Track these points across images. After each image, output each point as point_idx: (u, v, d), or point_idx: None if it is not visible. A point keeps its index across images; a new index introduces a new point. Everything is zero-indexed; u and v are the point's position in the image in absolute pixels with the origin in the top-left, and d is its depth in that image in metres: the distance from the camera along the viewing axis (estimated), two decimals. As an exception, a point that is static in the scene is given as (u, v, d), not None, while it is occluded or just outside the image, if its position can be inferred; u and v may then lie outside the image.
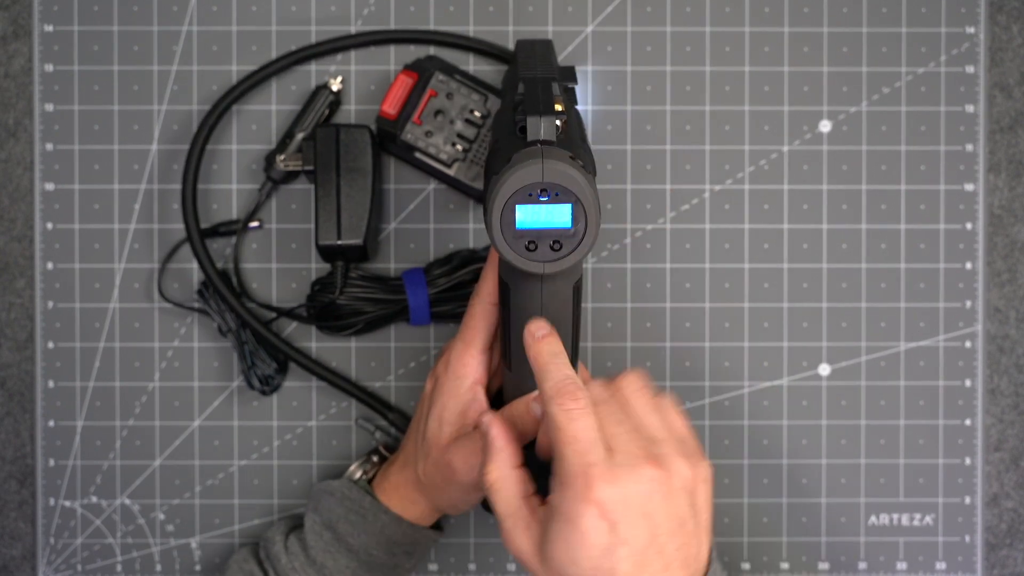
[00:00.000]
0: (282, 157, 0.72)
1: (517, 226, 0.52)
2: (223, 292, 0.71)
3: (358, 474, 0.70)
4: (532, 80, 0.57)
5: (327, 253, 0.70)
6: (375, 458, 0.71)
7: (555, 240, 0.52)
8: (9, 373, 0.74)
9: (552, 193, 0.52)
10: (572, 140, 0.54)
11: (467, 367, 0.63)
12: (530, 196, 0.52)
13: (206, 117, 0.71)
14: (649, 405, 0.55)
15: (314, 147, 0.70)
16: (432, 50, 0.74)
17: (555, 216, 0.52)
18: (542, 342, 0.55)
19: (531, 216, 0.52)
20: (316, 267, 0.74)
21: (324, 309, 0.71)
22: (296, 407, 0.74)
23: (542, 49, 0.64)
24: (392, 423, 0.73)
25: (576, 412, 0.51)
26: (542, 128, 0.52)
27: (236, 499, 0.74)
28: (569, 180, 0.51)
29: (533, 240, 0.52)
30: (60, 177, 0.74)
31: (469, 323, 0.63)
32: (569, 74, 0.62)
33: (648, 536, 0.50)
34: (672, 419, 0.55)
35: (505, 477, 0.54)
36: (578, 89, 0.74)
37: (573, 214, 0.52)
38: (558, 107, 0.54)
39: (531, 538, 0.52)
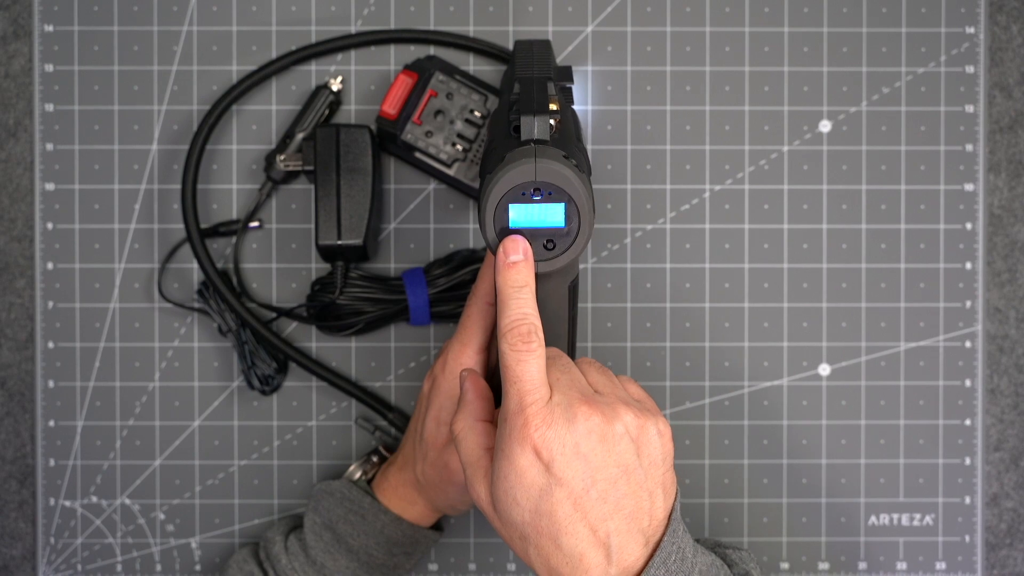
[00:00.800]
0: (282, 157, 0.72)
1: (511, 225, 0.53)
2: (223, 292, 0.71)
3: (358, 474, 0.70)
4: (528, 80, 0.58)
5: (327, 253, 0.70)
6: (375, 458, 0.71)
7: (548, 239, 0.53)
8: (9, 373, 0.74)
9: (545, 192, 0.52)
10: (566, 139, 0.55)
11: (464, 367, 0.62)
12: (523, 195, 0.52)
13: (205, 117, 0.71)
14: (604, 373, 0.55)
15: (314, 147, 0.70)
16: (432, 50, 0.74)
17: (548, 215, 0.52)
18: (511, 269, 0.53)
19: (524, 215, 0.52)
20: (316, 267, 0.74)
21: (324, 309, 0.71)
22: (296, 407, 0.74)
23: (540, 49, 0.64)
24: (392, 423, 0.73)
25: (524, 353, 0.51)
26: (535, 127, 0.53)
27: (236, 499, 0.74)
28: (562, 179, 0.52)
29: (526, 237, 0.53)
30: (60, 177, 0.74)
31: (466, 323, 0.63)
32: (566, 74, 0.62)
33: (586, 478, 0.49)
34: (628, 385, 0.55)
35: (470, 428, 0.55)
36: (578, 89, 0.74)
37: (566, 213, 0.52)
38: (553, 106, 0.55)
39: (487, 486, 0.53)
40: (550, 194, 0.52)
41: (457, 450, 0.55)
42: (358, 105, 0.74)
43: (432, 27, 0.74)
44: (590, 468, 0.50)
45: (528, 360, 0.51)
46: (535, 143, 0.53)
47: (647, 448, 0.51)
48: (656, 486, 0.51)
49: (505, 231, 0.53)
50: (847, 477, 0.74)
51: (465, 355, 0.62)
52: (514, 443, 0.50)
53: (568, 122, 0.57)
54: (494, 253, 0.53)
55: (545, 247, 0.53)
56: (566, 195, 0.52)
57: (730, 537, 0.74)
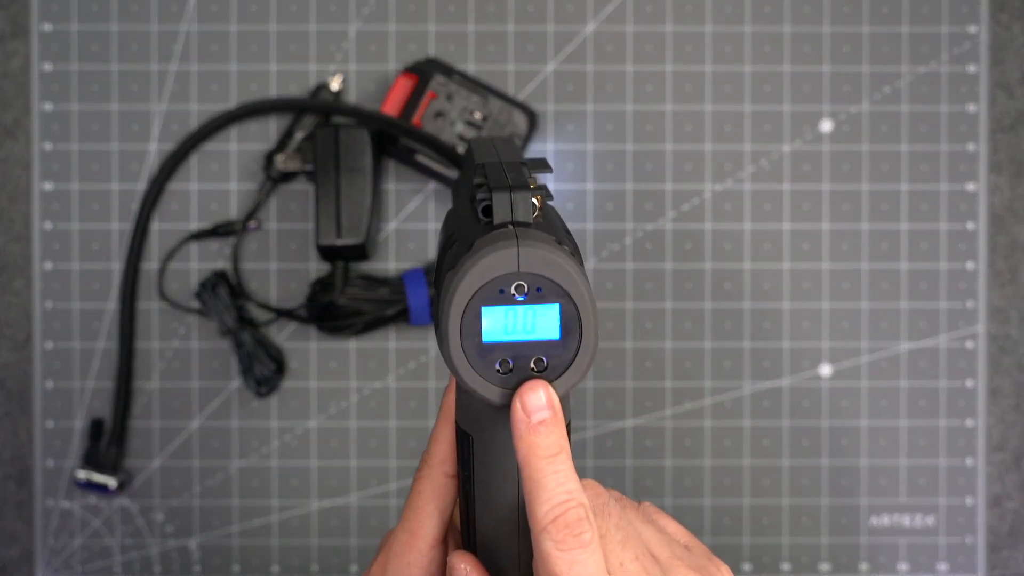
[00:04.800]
0: (282, 157, 0.72)
1: (484, 339, 0.38)
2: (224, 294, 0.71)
3: None
4: (495, 164, 0.43)
5: (327, 253, 0.70)
6: None
7: (537, 358, 0.39)
8: (7, 373, 0.74)
9: (533, 289, 0.38)
10: (553, 227, 0.41)
11: (412, 568, 0.45)
12: (501, 294, 0.38)
13: (167, 159, 0.72)
14: (639, 515, 0.44)
15: (314, 147, 0.70)
16: (432, 51, 0.73)
17: (537, 322, 0.38)
18: (538, 433, 0.39)
19: (503, 323, 0.38)
20: (316, 267, 0.74)
21: (324, 309, 0.71)
22: (296, 407, 0.74)
23: (502, 143, 0.48)
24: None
25: (579, 551, 0.38)
26: (513, 205, 0.39)
27: (236, 500, 0.74)
28: (556, 270, 0.38)
29: (506, 359, 0.39)
30: (59, 177, 0.73)
31: (415, 503, 0.45)
32: (541, 164, 0.45)
33: None
34: (666, 524, 0.45)
35: None
36: (578, 89, 0.73)
37: (562, 319, 0.38)
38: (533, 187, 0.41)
39: None
40: (539, 291, 0.38)
41: None
42: (358, 105, 0.73)
43: (432, 27, 0.74)
44: None
45: (584, 560, 0.38)
46: (515, 225, 0.39)
47: None
48: None
49: (483, 350, 0.38)
50: (848, 478, 0.74)
51: (414, 551, 0.45)
52: None
53: (552, 216, 0.43)
54: (461, 382, 0.39)
55: (534, 369, 0.39)
56: (561, 292, 0.38)
57: (731, 537, 0.74)
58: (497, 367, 0.39)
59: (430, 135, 0.69)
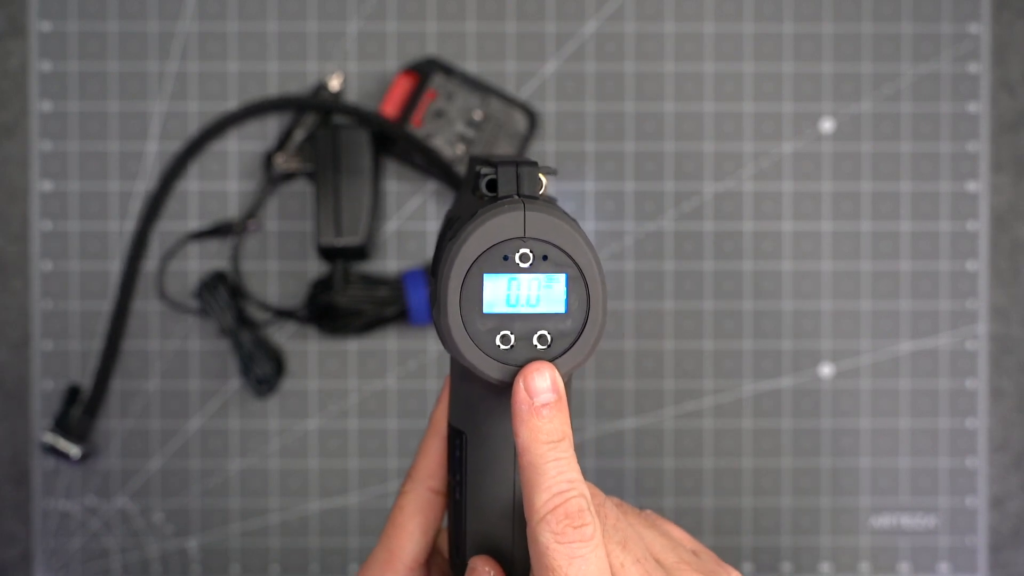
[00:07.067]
0: (282, 158, 0.71)
1: (485, 309, 0.36)
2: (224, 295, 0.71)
3: None
4: (497, 156, 0.42)
5: (327, 253, 0.70)
6: None
7: (541, 333, 0.36)
8: (6, 374, 0.74)
9: (539, 257, 0.36)
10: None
11: None
12: (505, 260, 0.36)
13: (173, 162, 0.71)
14: (642, 520, 0.42)
15: (313, 148, 0.69)
16: (432, 51, 0.73)
17: (542, 293, 0.36)
18: (540, 415, 0.36)
19: (505, 293, 0.36)
20: (316, 267, 0.74)
21: (324, 310, 0.71)
22: (296, 407, 0.74)
23: (499, 157, 0.45)
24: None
25: (579, 545, 0.36)
26: (520, 177, 0.37)
27: (235, 500, 0.74)
28: (563, 236, 0.36)
29: (507, 332, 0.36)
30: (57, 177, 0.73)
31: (396, 519, 0.43)
32: (547, 170, 0.42)
33: None
34: (671, 530, 0.43)
35: None
36: (578, 89, 0.73)
37: (568, 291, 0.36)
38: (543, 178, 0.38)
39: None
40: (545, 259, 0.36)
41: None
42: (358, 104, 0.73)
43: (433, 27, 0.73)
44: None
45: (585, 556, 0.36)
46: (521, 196, 0.37)
47: None
48: None
49: (483, 322, 0.36)
50: (849, 478, 0.74)
51: (391, 572, 0.42)
52: None
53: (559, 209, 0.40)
54: (459, 356, 0.36)
55: (536, 345, 0.37)
56: (568, 261, 0.36)
57: (731, 538, 0.74)
58: (498, 341, 0.36)
59: (427, 146, 0.69)
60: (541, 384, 0.36)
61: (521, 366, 0.36)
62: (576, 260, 0.36)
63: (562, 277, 0.36)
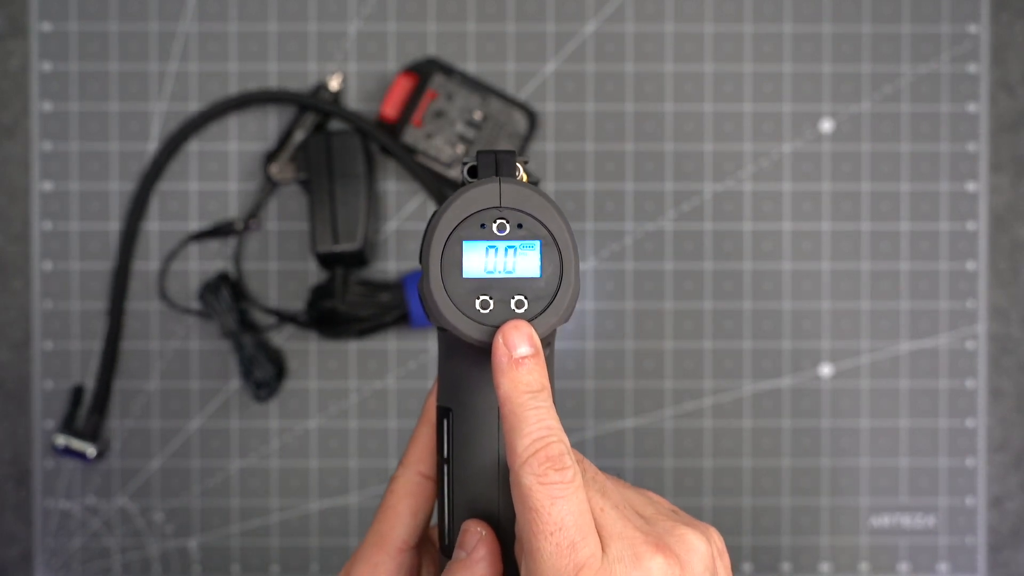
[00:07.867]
0: (276, 168, 0.71)
1: (464, 274, 0.39)
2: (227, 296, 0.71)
3: None
4: (481, 150, 0.44)
5: (325, 260, 0.70)
6: None
7: (517, 294, 0.39)
8: (6, 373, 0.74)
9: (514, 226, 0.39)
10: None
11: (378, 570, 0.44)
12: (482, 228, 0.39)
13: (157, 156, 0.71)
14: (619, 482, 0.43)
15: (306, 155, 0.69)
16: (432, 51, 0.73)
17: (518, 260, 0.39)
18: (519, 368, 0.38)
19: (483, 259, 0.39)
20: (316, 268, 0.74)
21: (324, 316, 0.71)
22: (296, 407, 0.74)
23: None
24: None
25: (559, 487, 0.37)
26: (499, 162, 0.40)
27: (235, 500, 0.74)
28: (537, 206, 0.39)
29: (486, 297, 0.39)
30: (58, 177, 0.73)
31: (387, 502, 0.44)
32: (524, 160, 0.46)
33: None
34: (647, 493, 0.43)
35: None
36: (578, 89, 0.73)
37: (542, 257, 0.39)
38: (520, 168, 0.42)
39: None
40: (520, 227, 0.39)
41: None
42: (358, 105, 0.73)
43: (433, 26, 0.73)
44: None
45: (566, 496, 0.37)
46: (499, 176, 0.40)
47: (720, 574, 0.40)
48: None
49: (463, 286, 0.39)
50: (848, 478, 0.74)
51: (383, 552, 0.44)
52: None
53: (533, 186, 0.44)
54: (443, 321, 0.39)
55: (513, 309, 0.40)
56: (543, 231, 0.39)
57: (731, 538, 0.74)
58: (478, 305, 0.39)
59: (417, 163, 0.69)
60: (519, 338, 0.39)
61: (499, 326, 0.39)
62: (550, 228, 0.39)
63: (537, 244, 0.39)
